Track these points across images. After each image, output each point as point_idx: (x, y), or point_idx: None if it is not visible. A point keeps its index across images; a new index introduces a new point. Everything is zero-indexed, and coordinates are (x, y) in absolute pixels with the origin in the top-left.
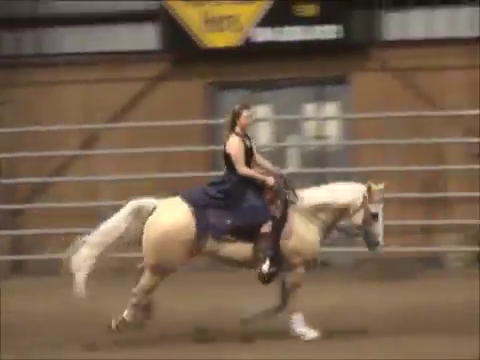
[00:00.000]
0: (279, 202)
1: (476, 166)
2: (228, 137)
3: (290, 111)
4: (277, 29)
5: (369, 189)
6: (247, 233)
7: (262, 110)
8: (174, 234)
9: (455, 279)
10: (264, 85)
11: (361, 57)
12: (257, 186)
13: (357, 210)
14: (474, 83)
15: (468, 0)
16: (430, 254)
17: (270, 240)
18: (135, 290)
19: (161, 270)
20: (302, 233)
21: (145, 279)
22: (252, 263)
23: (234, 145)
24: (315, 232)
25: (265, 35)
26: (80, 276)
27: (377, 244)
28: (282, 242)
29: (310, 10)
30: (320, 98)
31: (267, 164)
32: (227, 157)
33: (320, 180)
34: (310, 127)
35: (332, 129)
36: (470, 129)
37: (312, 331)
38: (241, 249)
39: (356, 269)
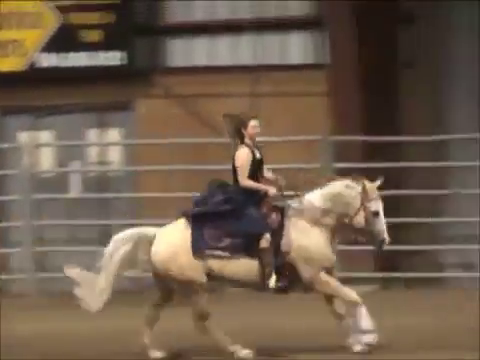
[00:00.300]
0: (274, 214)
1: None
2: (236, 148)
3: (73, 137)
4: (62, 54)
5: (364, 187)
6: (246, 249)
7: (45, 135)
8: (176, 257)
9: None
10: (48, 110)
11: (145, 83)
12: (256, 199)
13: (357, 211)
14: (255, 110)
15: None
16: None
17: (270, 254)
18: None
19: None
20: (303, 243)
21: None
22: (255, 282)
23: (242, 156)
24: (319, 238)
25: (50, 60)
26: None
27: (383, 241)
28: (286, 256)
29: (94, 36)
30: (104, 124)
31: (268, 173)
32: (235, 169)
33: (102, 206)
34: (93, 153)
35: (115, 155)
36: None
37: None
38: (242, 267)
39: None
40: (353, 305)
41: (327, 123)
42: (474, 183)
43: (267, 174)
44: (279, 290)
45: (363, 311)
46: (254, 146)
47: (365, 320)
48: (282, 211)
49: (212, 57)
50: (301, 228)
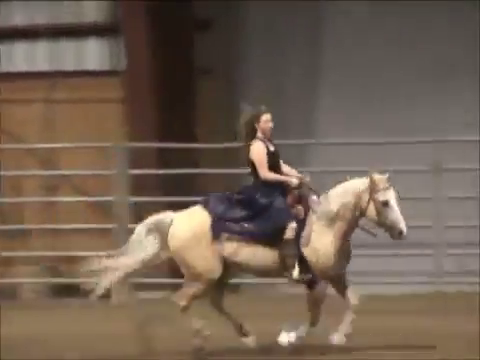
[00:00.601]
0: (300, 206)
1: (52, 198)
2: (250, 144)
3: None
4: None
5: (371, 179)
6: (268, 238)
7: None
8: (194, 241)
9: (31, 311)
10: None
11: None
12: (281, 191)
13: (367, 204)
14: (51, 116)
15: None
16: (6, 285)
17: (294, 245)
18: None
19: (197, 278)
20: (316, 245)
21: (189, 287)
22: (274, 271)
23: (257, 150)
24: (329, 243)
25: None
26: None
27: (401, 232)
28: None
29: None
30: None
31: (290, 169)
32: (252, 164)
33: None
34: None
35: None
36: (44, 161)
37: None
38: (261, 255)
39: None
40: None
41: (122, 129)
42: None
43: (285, 169)
44: (303, 281)
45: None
46: (268, 140)
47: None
48: (307, 203)
49: (8, 63)
50: (317, 228)
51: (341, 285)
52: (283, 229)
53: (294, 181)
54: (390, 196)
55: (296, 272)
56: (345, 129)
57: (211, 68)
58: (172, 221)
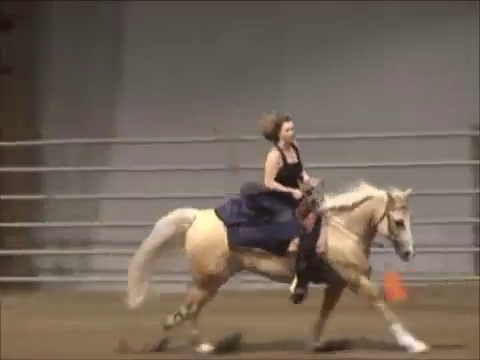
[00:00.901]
0: (311, 216)
1: None
2: (267, 152)
3: None
4: None
5: (389, 195)
6: (280, 249)
7: None
8: (210, 247)
9: None
10: None
11: None
12: (291, 201)
13: (381, 219)
14: None
15: None
16: None
17: (297, 259)
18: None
19: (206, 283)
20: (338, 245)
21: (193, 292)
22: (288, 277)
23: (270, 158)
24: (353, 242)
25: None
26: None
27: (408, 253)
28: (324, 256)
29: None
30: None
31: (309, 178)
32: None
33: None
34: None
35: None
36: None
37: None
38: (276, 264)
39: None
40: (391, 322)
41: None
42: (66, 187)
43: (305, 177)
44: (294, 296)
45: (399, 328)
46: (288, 149)
47: (401, 336)
48: (319, 214)
49: None
50: (336, 232)
51: None
52: (288, 242)
53: (297, 194)
54: (405, 216)
55: (292, 286)
56: (147, 127)
57: (13, 67)
58: (194, 218)
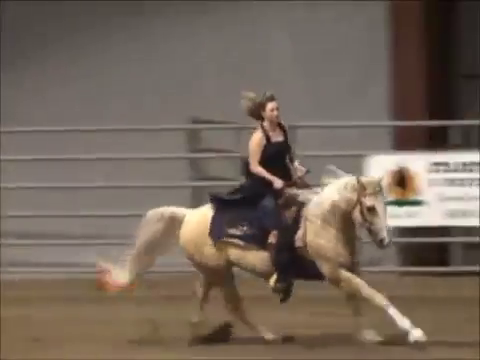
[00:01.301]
0: (291, 208)
1: None
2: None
3: None
4: None
5: (359, 181)
6: (260, 241)
7: None
8: (200, 241)
9: None
10: None
11: None
12: (272, 191)
13: (354, 206)
14: None
15: None
16: None
17: (276, 252)
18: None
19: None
20: (319, 240)
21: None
22: (269, 273)
23: (253, 140)
24: (332, 236)
25: None
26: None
27: (382, 240)
28: (303, 251)
29: None
30: None
31: (297, 165)
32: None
33: None
34: None
35: None
36: None
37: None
38: (258, 257)
39: None
40: (379, 307)
41: None
42: None
43: (296, 164)
44: (277, 290)
45: (392, 311)
46: (274, 130)
47: (400, 320)
48: (300, 204)
49: None
50: (313, 226)
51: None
52: (267, 234)
53: (277, 183)
54: (377, 202)
55: (272, 280)
56: None
57: None
58: (184, 217)
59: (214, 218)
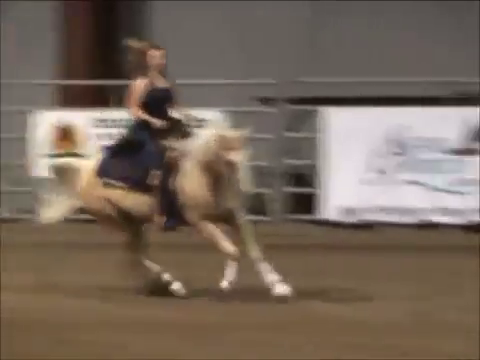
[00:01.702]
0: (172, 152)
1: None
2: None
3: None
4: None
5: (219, 135)
6: (142, 184)
7: None
8: (90, 187)
9: None
10: None
11: None
12: (156, 131)
13: (216, 160)
14: None
15: None
16: None
17: (160, 192)
18: None
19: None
20: (188, 189)
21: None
22: (147, 217)
23: (133, 85)
24: (202, 185)
25: None
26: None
27: (241, 192)
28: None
29: None
30: None
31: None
32: None
33: None
34: None
35: None
36: None
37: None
38: (139, 201)
39: None
40: (228, 258)
41: None
42: None
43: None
44: (166, 228)
45: (234, 267)
46: (158, 78)
47: (231, 274)
48: (178, 152)
49: None
50: (187, 171)
51: (233, 224)
52: (149, 176)
53: (156, 123)
54: (236, 156)
55: (161, 220)
56: None
57: None
58: (80, 167)
59: (102, 161)
